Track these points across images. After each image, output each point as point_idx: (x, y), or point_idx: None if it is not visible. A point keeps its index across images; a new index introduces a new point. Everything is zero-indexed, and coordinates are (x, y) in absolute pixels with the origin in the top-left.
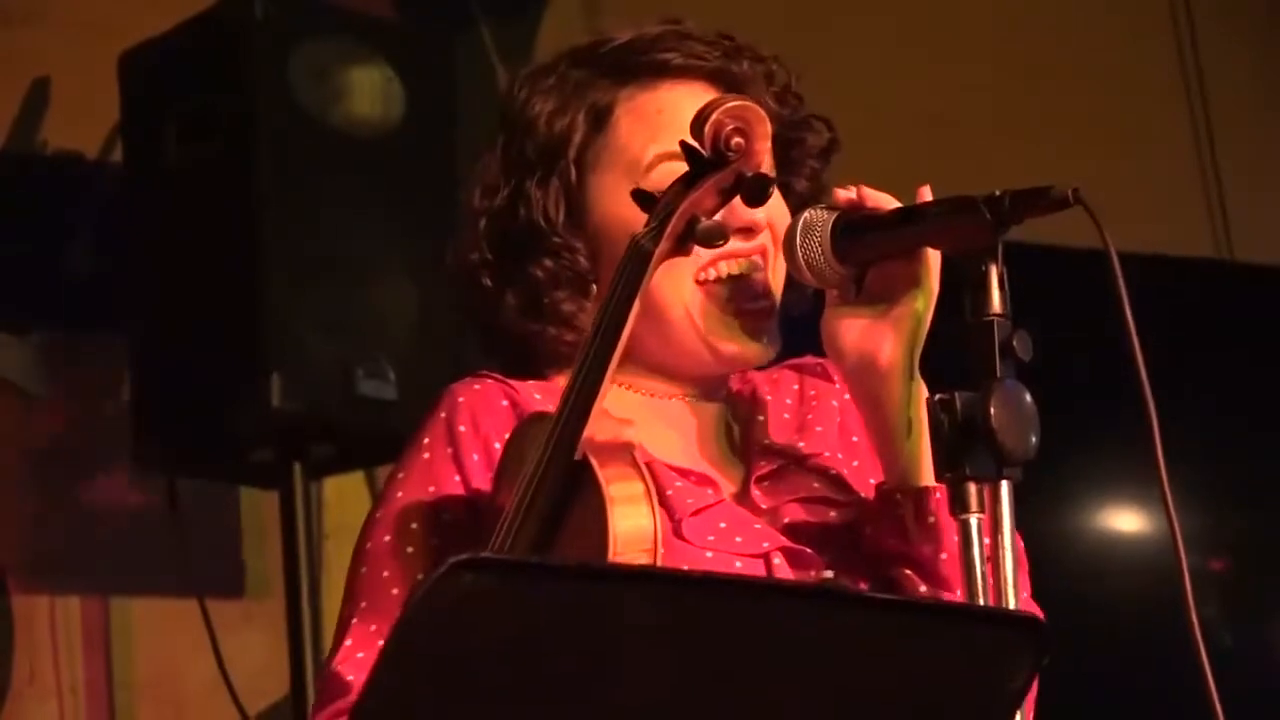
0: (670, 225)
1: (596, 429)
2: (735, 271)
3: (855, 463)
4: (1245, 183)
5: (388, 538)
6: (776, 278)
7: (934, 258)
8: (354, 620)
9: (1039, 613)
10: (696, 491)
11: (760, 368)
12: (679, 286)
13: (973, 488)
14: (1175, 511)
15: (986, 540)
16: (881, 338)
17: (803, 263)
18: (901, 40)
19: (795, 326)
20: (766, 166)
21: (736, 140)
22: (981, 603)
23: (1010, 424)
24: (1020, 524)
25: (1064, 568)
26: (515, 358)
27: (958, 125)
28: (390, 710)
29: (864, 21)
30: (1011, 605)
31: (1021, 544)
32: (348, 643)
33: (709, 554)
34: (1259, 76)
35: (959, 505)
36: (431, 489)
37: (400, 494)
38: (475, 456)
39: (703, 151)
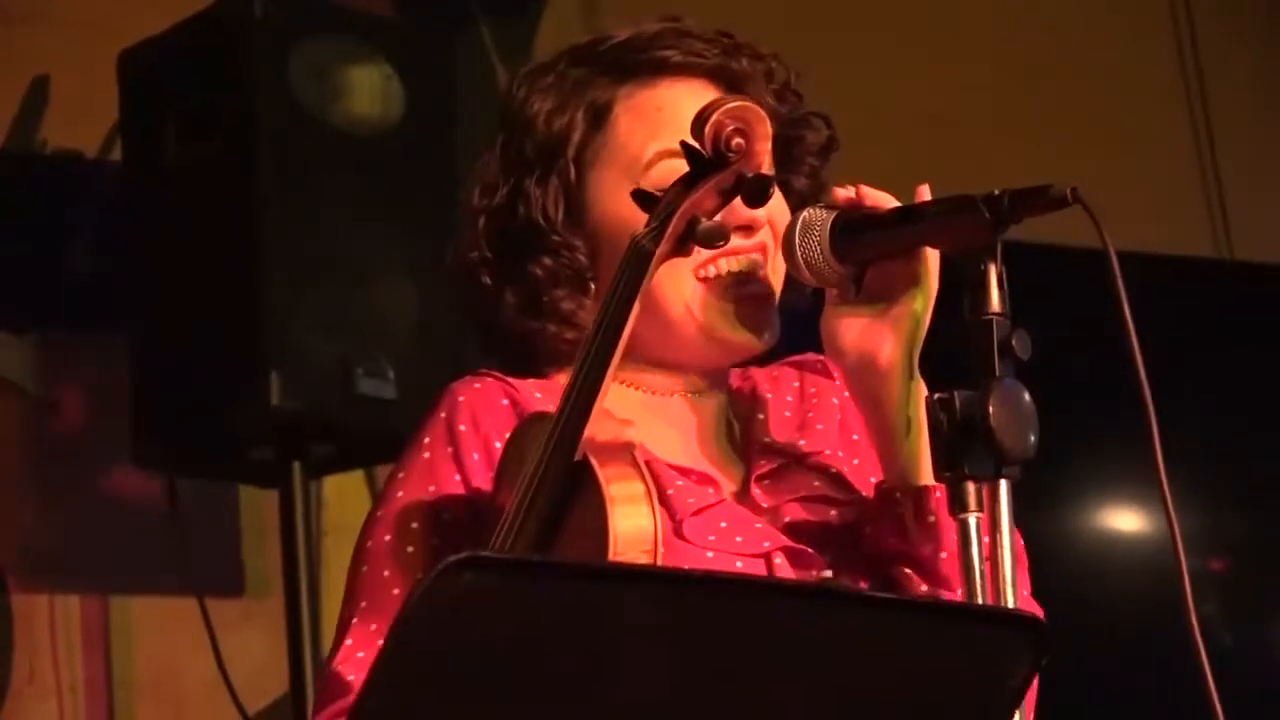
0: (671, 226)
1: (597, 429)
2: (735, 269)
3: (856, 461)
4: (1245, 182)
5: (388, 537)
6: (776, 274)
7: (933, 257)
8: (354, 620)
9: (1039, 611)
10: (697, 491)
11: (761, 364)
12: (679, 285)
13: (972, 487)
14: (1175, 511)
15: (985, 539)
16: (881, 337)
17: (802, 262)
18: (901, 40)
19: (795, 324)
20: (766, 165)
21: (737, 141)
22: (980, 602)
23: (1009, 423)
24: (1020, 523)
25: (1064, 567)
26: (515, 356)
27: (958, 125)
28: (390, 710)
29: (864, 21)
30: (1010, 604)
31: (1021, 542)
32: (348, 642)
33: (710, 554)
34: (1259, 76)
35: (958, 504)
36: (432, 488)
37: (401, 493)
38: (476, 456)
39: (703, 152)
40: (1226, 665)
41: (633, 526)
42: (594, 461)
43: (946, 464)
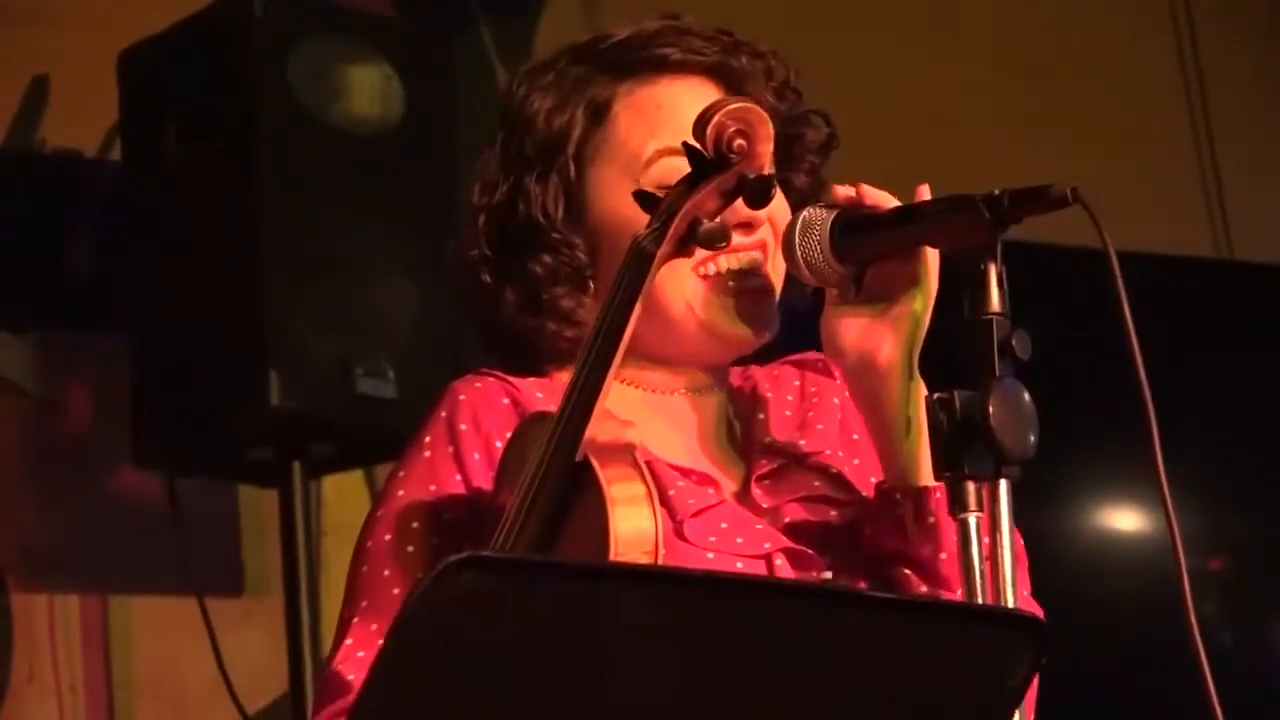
0: (673, 228)
1: (598, 429)
2: (736, 267)
3: (856, 461)
4: (1245, 182)
5: (388, 537)
6: (776, 271)
7: (933, 257)
8: (354, 619)
9: (1039, 610)
10: (698, 492)
11: (762, 363)
12: (680, 282)
13: (971, 487)
14: (1175, 511)
15: (985, 539)
16: (880, 337)
17: (802, 261)
18: (901, 40)
19: (795, 324)
20: (767, 165)
21: (739, 142)
22: (980, 602)
23: (1009, 423)
24: (1020, 523)
25: (1064, 567)
26: (515, 354)
27: (958, 125)
28: (390, 709)
29: (864, 21)
30: (1010, 604)
31: (1021, 542)
32: (348, 642)
33: (710, 555)
34: (1259, 76)
35: (958, 504)
36: (432, 488)
37: (401, 493)
38: (476, 455)
39: (705, 153)
40: (1226, 665)
41: (633, 527)
42: (595, 462)
43: (946, 464)
